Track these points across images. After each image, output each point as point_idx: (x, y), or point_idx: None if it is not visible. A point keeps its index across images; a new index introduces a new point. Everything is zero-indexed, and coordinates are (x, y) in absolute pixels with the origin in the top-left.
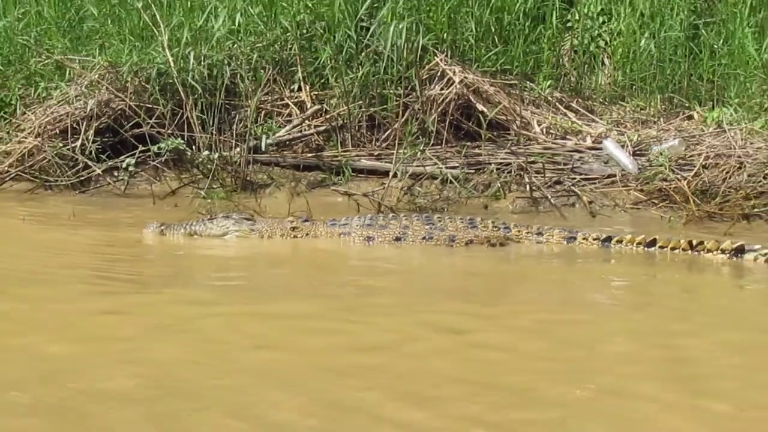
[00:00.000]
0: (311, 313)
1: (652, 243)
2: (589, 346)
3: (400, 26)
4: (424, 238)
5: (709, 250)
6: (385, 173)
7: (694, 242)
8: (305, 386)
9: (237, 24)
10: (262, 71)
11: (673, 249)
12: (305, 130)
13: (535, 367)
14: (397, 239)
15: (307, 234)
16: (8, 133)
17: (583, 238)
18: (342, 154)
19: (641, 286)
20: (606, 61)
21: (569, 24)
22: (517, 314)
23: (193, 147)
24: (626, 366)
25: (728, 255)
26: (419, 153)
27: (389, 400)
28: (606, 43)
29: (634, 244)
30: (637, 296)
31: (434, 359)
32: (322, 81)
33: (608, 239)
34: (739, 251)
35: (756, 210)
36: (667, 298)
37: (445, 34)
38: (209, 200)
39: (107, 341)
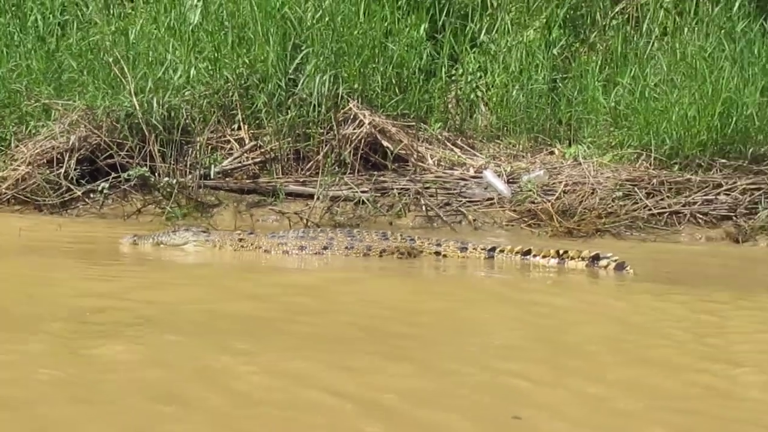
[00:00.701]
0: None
1: (528, 252)
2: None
3: (323, 78)
4: (346, 247)
5: (572, 258)
6: (309, 196)
7: (561, 251)
8: None
9: (190, 76)
10: (209, 114)
11: (544, 257)
12: (244, 161)
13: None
14: (325, 248)
15: (251, 244)
16: (4, 162)
17: (473, 249)
18: (275, 180)
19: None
20: (483, 107)
21: (454, 77)
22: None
23: (156, 174)
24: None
25: (586, 261)
26: (338, 180)
27: None
28: (483, 93)
29: (513, 253)
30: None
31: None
32: (257, 121)
33: (493, 249)
34: (595, 258)
35: (606, 226)
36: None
37: (356, 85)
38: (170, 218)
39: None
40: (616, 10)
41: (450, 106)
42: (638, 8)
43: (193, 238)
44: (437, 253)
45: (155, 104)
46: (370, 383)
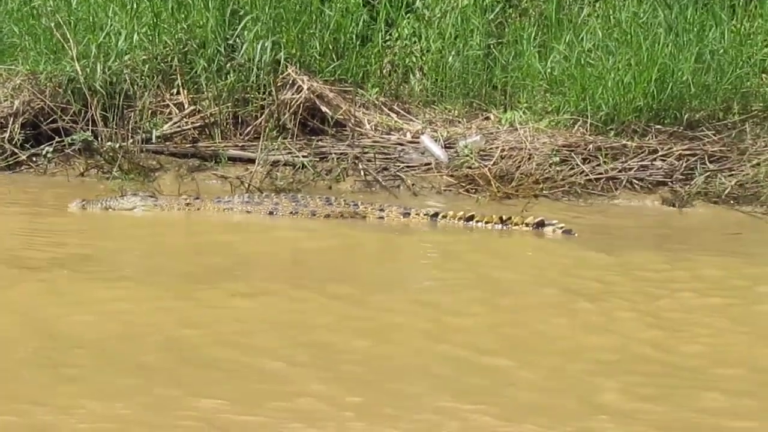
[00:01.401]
0: None
1: (471, 218)
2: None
3: (263, 44)
4: (291, 212)
5: (516, 224)
6: (249, 160)
7: (504, 217)
8: None
9: (133, 41)
10: (149, 79)
11: (486, 223)
12: (184, 125)
13: None
14: (270, 213)
15: (197, 209)
16: None
17: (416, 214)
18: (214, 145)
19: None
20: (418, 73)
21: (389, 43)
22: None
23: (98, 139)
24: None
25: (531, 227)
26: (278, 144)
27: None
28: (417, 58)
29: (456, 219)
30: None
31: None
32: (196, 86)
33: (435, 215)
34: (540, 224)
35: (544, 192)
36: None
37: (294, 50)
38: (112, 181)
39: None
40: None
41: (385, 71)
42: None
43: (140, 203)
44: (380, 218)
45: (98, 70)
46: None
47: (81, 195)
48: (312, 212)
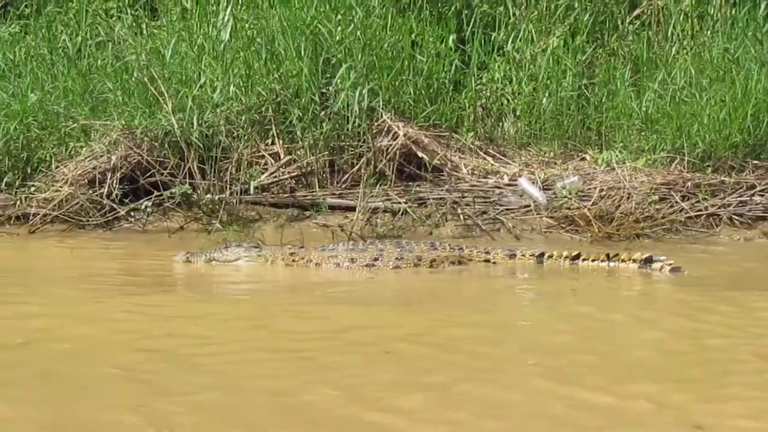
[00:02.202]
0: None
1: (577, 257)
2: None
3: (360, 92)
4: (396, 258)
5: (623, 261)
6: (347, 208)
7: (611, 254)
8: None
9: (229, 93)
10: (244, 130)
11: (593, 260)
12: (280, 175)
13: None
14: (375, 260)
15: (302, 258)
16: (45, 183)
17: (522, 255)
18: (312, 193)
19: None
20: (510, 115)
21: (480, 87)
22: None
23: (197, 191)
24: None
25: (639, 264)
26: (378, 191)
27: None
28: (509, 101)
29: (562, 258)
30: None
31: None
32: (290, 135)
33: (542, 255)
34: (648, 261)
35: (645, 231)
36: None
37: (389, 97)
38: (214, 233)
39: None
40: (634, 14)
41: (479, 114)
42: (657, 12)
43: (245, 253)
44: (487, 261)
45: (195, 123)
46: None
47: (184, 248)
48: (417, 257)
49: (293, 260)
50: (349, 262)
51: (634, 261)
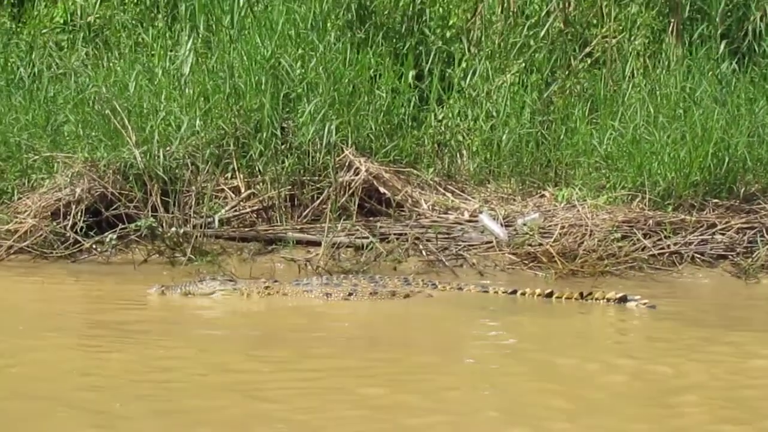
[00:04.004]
0: None
1: (550, 294)
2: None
3: (324, 127)
4: (371, 293)
5: (596, 299)
6: (309, 243)
7: (584, 293)
8: None
9: (196, 127)
10: (204, 164)
11: (567, 298)
12: (241, 209)
13: None
14: (350, 294)
15: (277, 292)
16: (8, 215)
17: (494, 291)
18: (273, 228)
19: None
20: (464, 152)
21: (438, 122)
22: None
23: (161, 224)
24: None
25: (613, 302)
26: (340, 226)
27: None
28: (464, 138)
29: (535, 296)
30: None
31: None
32: (250, 170)
33: (514, 291)
34: (623, 300)
35: (608, 268)
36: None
37: (350, 132)
38: (187, 265)
39: None
40: (585, 52)
41: (437, 151)
42: (610, 51)
43: (220, 287)
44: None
45: (161, 156)
46: None
47: (151, 281)
48: (391, 292)
49: (268, 294)
50: (324, 297)
51: (608, 300)
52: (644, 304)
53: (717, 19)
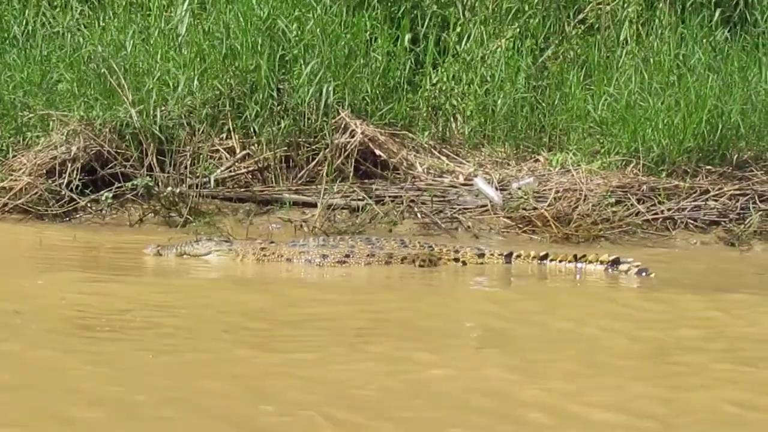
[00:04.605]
0: None
1: (545, 257)
2: None
3: (317, 88)
4: (368, 255)
5: (590, 262)
6: (305, 204)
7: (578, 255)
8: None
9: (193, 87)
10: (200, 124)
11: (561, 261)
12: (236, 170)
13: None
14: (347, 256)
15: (273, 253)
16: (2, 173)
17: (490, 255)
18: (269, 189)
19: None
20: (459, 116)
21: (433, 86)
22: None
23: (156, 183)
24: None
25: (606, 265)
26: (337, 188)
27: None
28: (458, 102)
29: (530, 258)
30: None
31: None
32: (245, 130)
33: (510, 254)
34: (615, 263)
35: (602, 233)
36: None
37: (346, 95)
38: (181, 227)
39: None
40: (578, 18)
41: (431, 114)
42: (604, 18)
43: (216, 248)
44: (456, 260)
45: (158, 116)
46: None
47: (153, 241)
48: (389, 255)
49: (264, 255)
50: (320, 258)
51: (602, 263)
52: (636, 266)
53: None
